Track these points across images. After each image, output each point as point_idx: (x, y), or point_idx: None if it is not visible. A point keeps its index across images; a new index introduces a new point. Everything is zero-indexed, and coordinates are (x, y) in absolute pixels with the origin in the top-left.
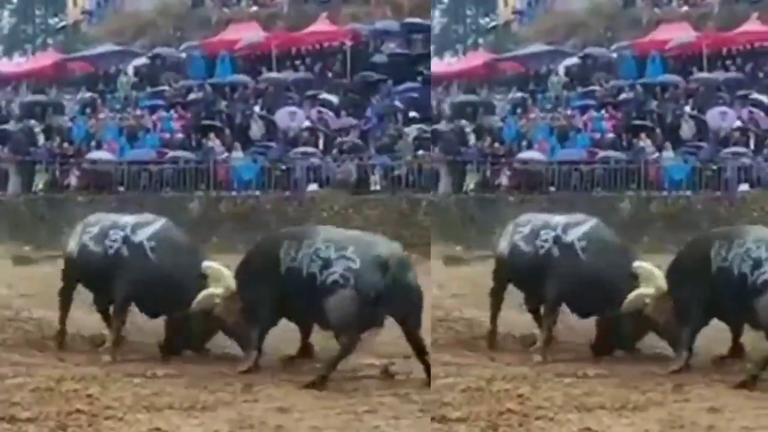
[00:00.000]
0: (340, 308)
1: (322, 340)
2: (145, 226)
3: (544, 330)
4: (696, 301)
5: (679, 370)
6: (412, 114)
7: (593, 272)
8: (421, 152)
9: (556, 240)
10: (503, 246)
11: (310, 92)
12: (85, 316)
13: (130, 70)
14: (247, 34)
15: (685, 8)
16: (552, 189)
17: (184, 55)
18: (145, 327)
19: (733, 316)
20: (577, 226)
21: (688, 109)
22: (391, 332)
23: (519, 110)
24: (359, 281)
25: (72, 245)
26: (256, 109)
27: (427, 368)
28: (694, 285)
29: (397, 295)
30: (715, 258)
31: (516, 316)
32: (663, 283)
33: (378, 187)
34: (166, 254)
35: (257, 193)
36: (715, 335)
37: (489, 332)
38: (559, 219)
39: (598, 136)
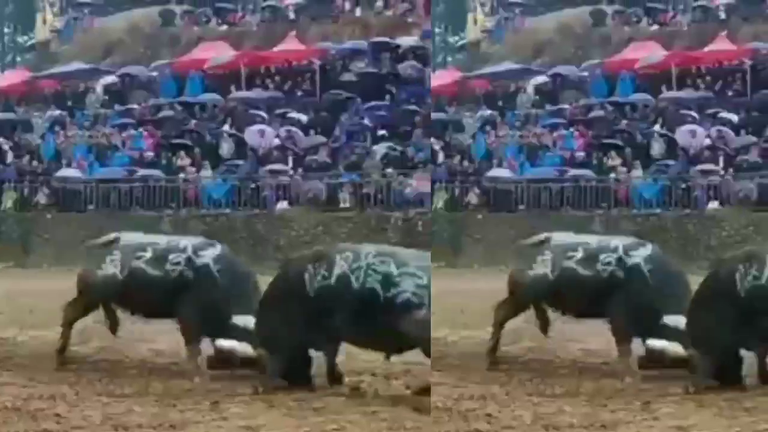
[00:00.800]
0: (420, 328)
1: None
2: (206, 248)
3: (624, 354)
4: (721, 329)
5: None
6: (381, 132)
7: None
8: (389, 170)
9: (619, 262)
10: (542, 269)
11: (279, 111)
12: (52, 334)
13: (100, 88)
14: (217, 53)
15: (655, 27)
16: (521, 207)
17: (153, 73)
18: (112, 345)
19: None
20: (638, 248)
21: (657, 127)
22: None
23: (488, 128)
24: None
25: (111, 268)
26: (226, 127)
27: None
28: (719, 312)
29: None
30: (742, 281)
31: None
32: None
33: (347, 205)
34: (231, 277)
35: (227, 211)
36: None
37: (490, 349)
38: (613, 241)
39: (567, 154)
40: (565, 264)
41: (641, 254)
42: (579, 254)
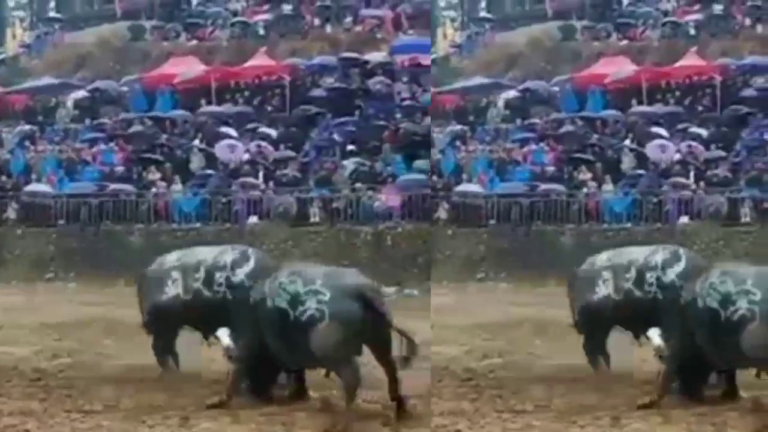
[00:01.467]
0: (323, 342)
1: None
2: (242, 264)
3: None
4: (673, 339)
5: (649, 405)
6: (350, 147)
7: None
8: (358, 185)
9: (659, 281)
10: (604, 291)
11: (249, 126)
12: (21, 351)
13: (70, 103)
14: (187, 68)
15: (625, 42)
16: (492, 222)
17: (124, 88)
18: (83, 360)
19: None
20: (675, 264)
21: (627, 142)
22: None
23: (458, 143)
24: (334, 312)
25: (173, 290)
26: (196, 142)
27: (396, 399)
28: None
29: (372, 323)
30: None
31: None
32: None
33: (317, 219)
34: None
35: (197, 225)
36: None
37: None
38: (654, 256)
39: (538, 169)
40: (625, 285)
41: (675, 270)
42: (632, 274)
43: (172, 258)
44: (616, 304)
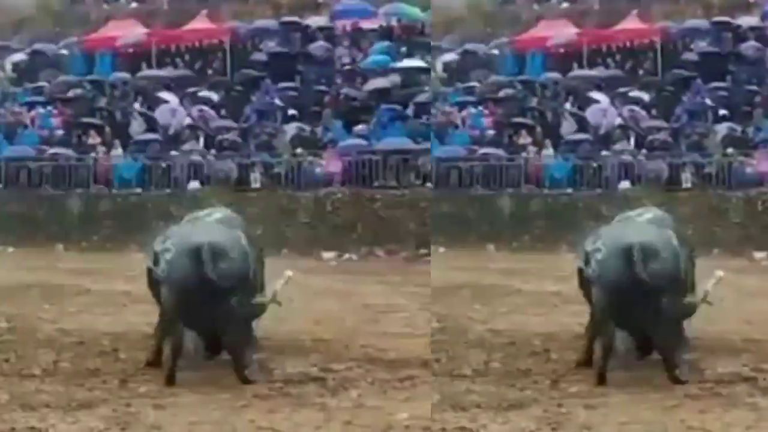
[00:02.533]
0: (163, 303)
1: None
2: None
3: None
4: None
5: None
6: (291, 112)
7: None
8: (299, 150)
9: None
10: None
11: (189, 90)
12: None
13: (8, 65)
14: (127, 31)
15: (565, 5)
16: (429, 185)
17: (63, 51)
18: (20, 325)
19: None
20: None
21: (568, 106)
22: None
23: None
24: (172, 274)
25: None
26: (136, 106)
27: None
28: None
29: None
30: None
31: None
32: None
33: (258, 185)
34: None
35: (138, 190)
36: None
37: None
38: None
39: (477, 133)
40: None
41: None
42: None
43: None
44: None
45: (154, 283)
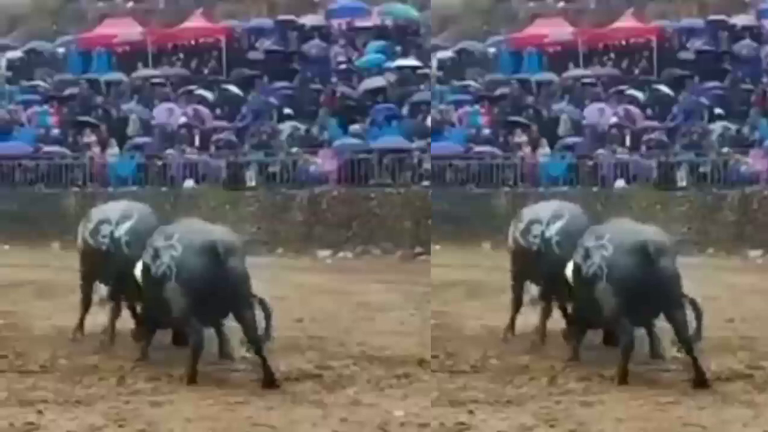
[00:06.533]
0: (171, 299)
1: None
2: (126, 220)
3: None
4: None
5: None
6: (287, 111)
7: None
8: (295, 149)
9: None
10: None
11: (185, 88)
12: None
13: (4, 63)
14: (123, 29)
15: (561, 4)
16: (426, 183)
17: (60, 49)
18: (16, 322)
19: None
20: (558, 220)
21: (564, 105)
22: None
23: None
24: (180, 269)
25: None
26: (132, 105)
27: (264, 362)
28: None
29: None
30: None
31: None
32: None
33: (253, 183)
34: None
35: (134, 189)
36: None
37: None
38: (544, 211)
39: (473, 131)
40: (515, 234)
41: (557, 226)
42: (522, 225)
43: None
44: (512, 252)
45: (147, 281)
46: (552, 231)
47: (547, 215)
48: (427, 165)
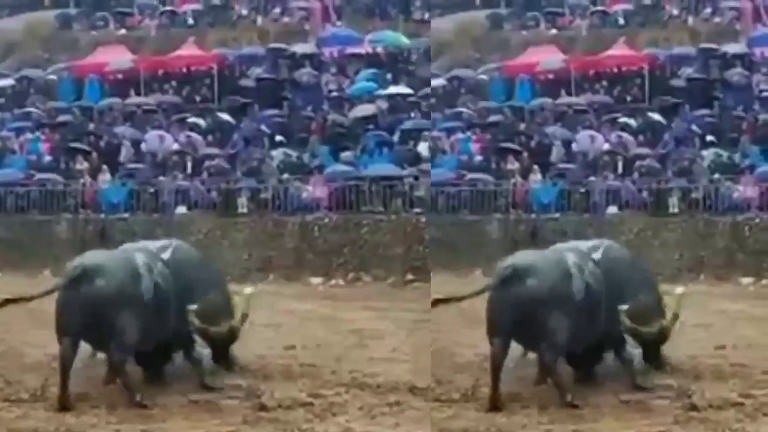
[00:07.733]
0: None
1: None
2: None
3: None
4: None
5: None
6: (278, 138)
7: None
8: (286, 176)
9: None
10: None
11: (177, 116)
12: None
13: None
14: (115, 57)
15: (554, 31)
16: (418, 210)
17: (52, 77)
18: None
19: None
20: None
21: (556, 132)
22: None
23: None
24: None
25: None
26: (125, 131)
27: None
28: None
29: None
30: None
31: None
32: None
33: (245, 210)
34: None
35: (126, 215)
36: None
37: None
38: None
39: (465, 158)
40: None
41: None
42: None
43: None
44: None
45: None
46: None
47: None
48: (422, 192)
